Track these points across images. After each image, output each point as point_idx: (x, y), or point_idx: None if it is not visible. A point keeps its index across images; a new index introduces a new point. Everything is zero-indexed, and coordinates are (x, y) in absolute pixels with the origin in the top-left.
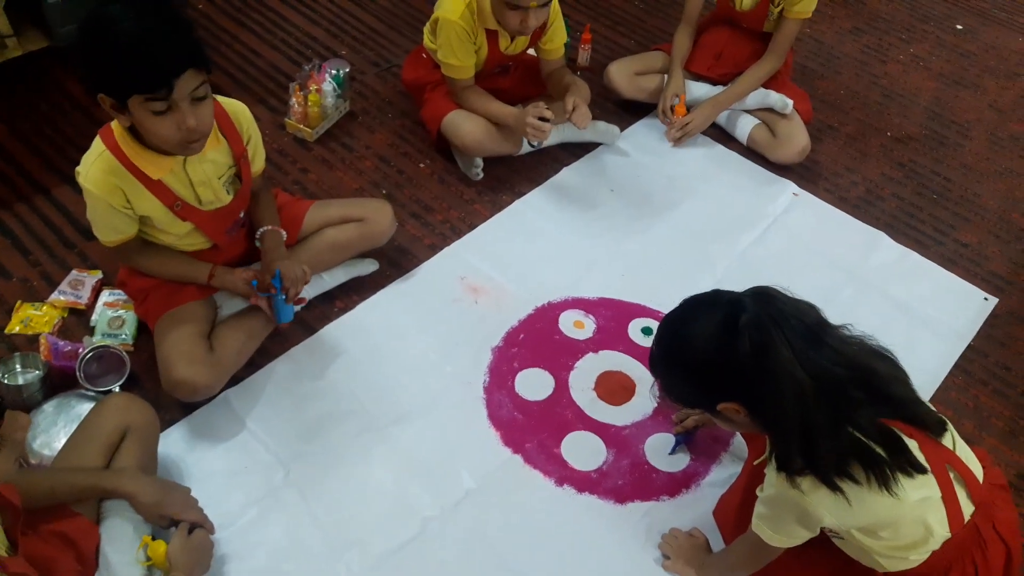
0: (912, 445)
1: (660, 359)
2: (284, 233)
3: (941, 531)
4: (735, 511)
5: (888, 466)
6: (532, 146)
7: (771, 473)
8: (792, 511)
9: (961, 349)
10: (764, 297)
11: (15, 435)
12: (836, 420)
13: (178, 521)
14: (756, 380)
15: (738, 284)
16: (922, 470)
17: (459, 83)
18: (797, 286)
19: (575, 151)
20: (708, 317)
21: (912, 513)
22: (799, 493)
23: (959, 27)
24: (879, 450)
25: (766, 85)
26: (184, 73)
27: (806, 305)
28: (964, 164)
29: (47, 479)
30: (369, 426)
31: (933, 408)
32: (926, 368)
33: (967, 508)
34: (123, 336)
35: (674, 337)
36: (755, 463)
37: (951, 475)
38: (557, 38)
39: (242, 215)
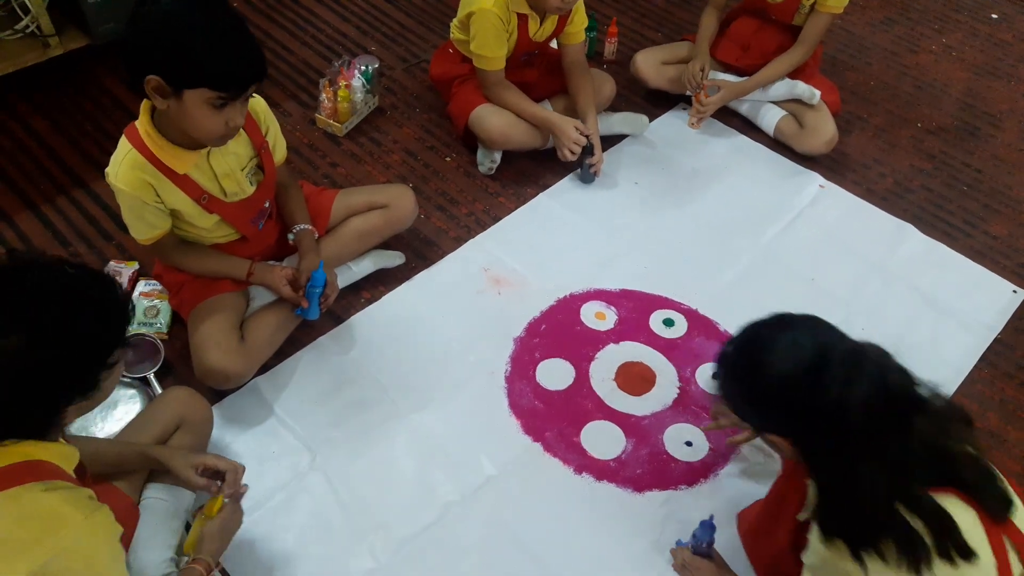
0: (968, 517)
1: (730, 364)
2: (317, 233)
3: None
4: (755, 517)
5: (925, 552)
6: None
7: (814, 539)
8: None
9: (988, 342)
10: (859, 357)
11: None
12: (888, 498)
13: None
14: (818, 434)
15: (762, 277)
16: (967, 555)
17: (491, 76)
18: (823, 278)
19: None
20: (796, 354)
21: None
22: (855, 566)
23: (994, 16)
24: (926, 537)
25: (794, 76)
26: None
27: (903, 373)
28: (996, 155)
29: (92, 444)
30: (393, 413)
31: (1002, 484)
32: (952, 361)
33: (1017, 570)
34: (158, 325)
35: (754, 352)
36: (799, 518)
37: (1007, 544)
38: (578, 21)
39: (267, 205)
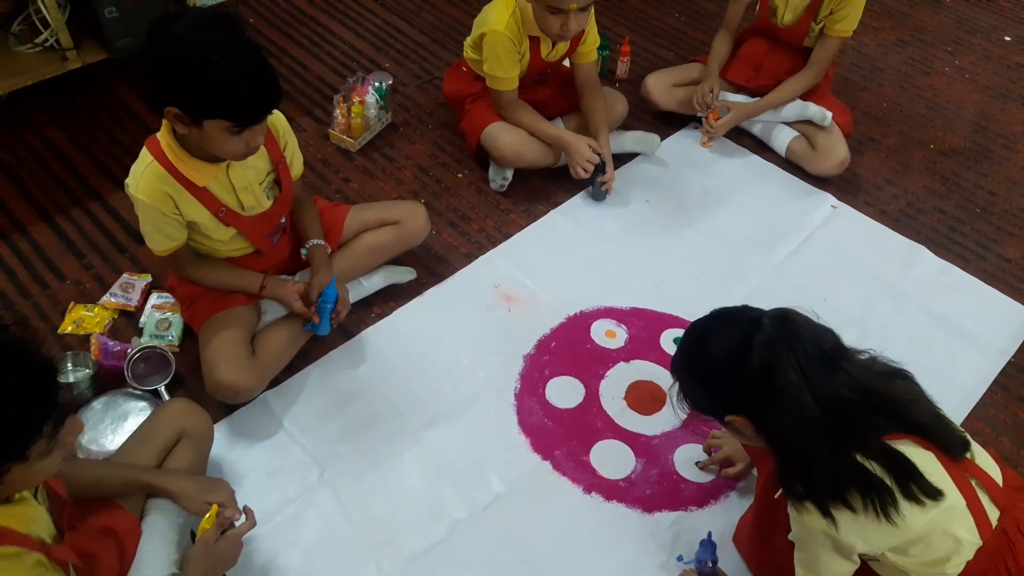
0: (928, 459)
1: (680, 363)
2: (329, 248)
3: (971, 539)
4: (748, 529)
5: (890, 495)
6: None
7: (792, 513)
8: (823, 543)
9: (1001, 365)
10: (783, 320)
11: (67, 439)
12: (838, 446)
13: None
14: (762, 399)
15: (773, 296)
16: (933, 495)
17: (505, 96)
18: (835, 299)
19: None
20: (728, 332)
21: (939, 526)
22: (828, 524)
23: (1007, 38)
24: (886, 479)
25: (806, 97)
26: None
27: (825, 330)
28: (1009, 178)
29: (95, 470)
30: (402, 429)
31: (955, 426)
32: (965, 384)
33: (993, 514)
34: (169, 338)
35: (695, 345)
36: (775, 496)
37: (972, 483)
38: (590, 41)
39: (282, 220)
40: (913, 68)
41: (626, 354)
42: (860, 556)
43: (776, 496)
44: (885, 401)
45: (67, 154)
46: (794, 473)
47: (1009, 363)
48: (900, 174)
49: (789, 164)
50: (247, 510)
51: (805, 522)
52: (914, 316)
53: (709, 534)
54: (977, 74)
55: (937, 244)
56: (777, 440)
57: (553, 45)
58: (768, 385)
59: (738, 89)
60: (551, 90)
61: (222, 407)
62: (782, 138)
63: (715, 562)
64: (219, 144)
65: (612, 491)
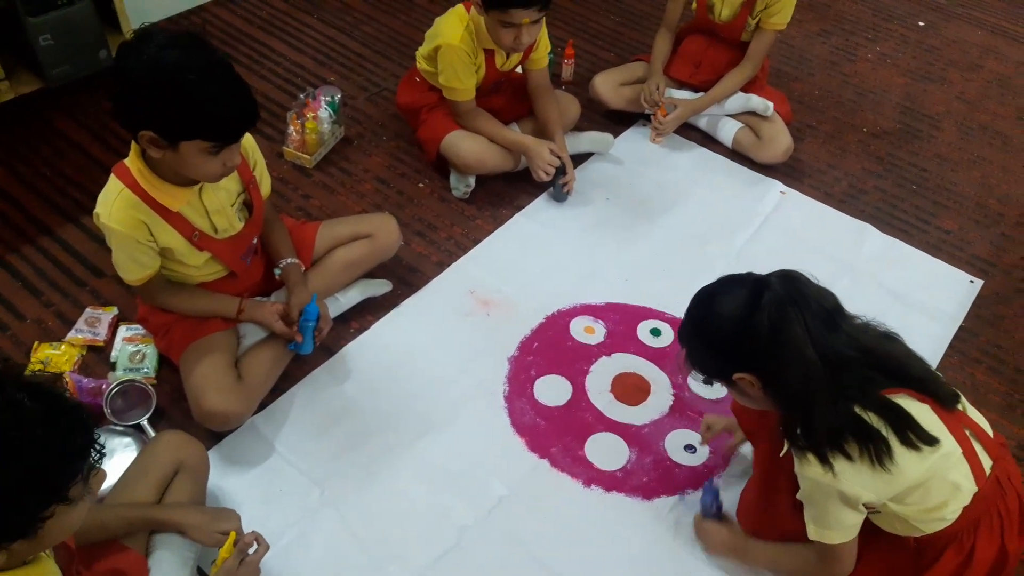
0: (923, 410)
1: (688, 328)
2: (303, 266)
3: (968, 485)
4: (754, 502)
5: (885, 443)
6: (550, 186)
7: (798, 467)
8: (832, 496)
9: (954, 331)
10: (790, 279)
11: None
12: (838, 398)
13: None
14: (770, 354)
15: None
16: (930, 442)
17: (463, 105)
18: None
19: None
20: (736, 293)
21: (937, 472)
22: (827, 471)
23: (921, 24)
24: (883, 429)
25: (745, 90)
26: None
27: (827, 292)
28: (938, 155)
29: (100, 514)
30: (397, 441)
31: (945, 381)
32: (923, 351)
33: (986, 462)
34: (145, 370)
35: (703, 308)
36: (780, 455)
37: (967, 433)
38: (542, 47)
39: (255, 241)
40: (838, 56)
41: (607, 348)
42: (865, 506)
43: (781, 455)
44: (883, 358)
45: (9, 190)
46: (795, 424)
47: (961, 328)
48: (839, 157)
49: (736, 154)
50: (256, 535)
51: (808, 474)
52: (870, 291)
53: (711, 479)
54: (898, 59)
55: (881, 221)
56: (781, 394)
57: (507, 56)
58: (776, 341)
59: (681, 85)
60: (505, 96)
61: (209, 435)
62: (727, 130)
63: (719, 507)
64: (196, 166)
65: (611, 482)
